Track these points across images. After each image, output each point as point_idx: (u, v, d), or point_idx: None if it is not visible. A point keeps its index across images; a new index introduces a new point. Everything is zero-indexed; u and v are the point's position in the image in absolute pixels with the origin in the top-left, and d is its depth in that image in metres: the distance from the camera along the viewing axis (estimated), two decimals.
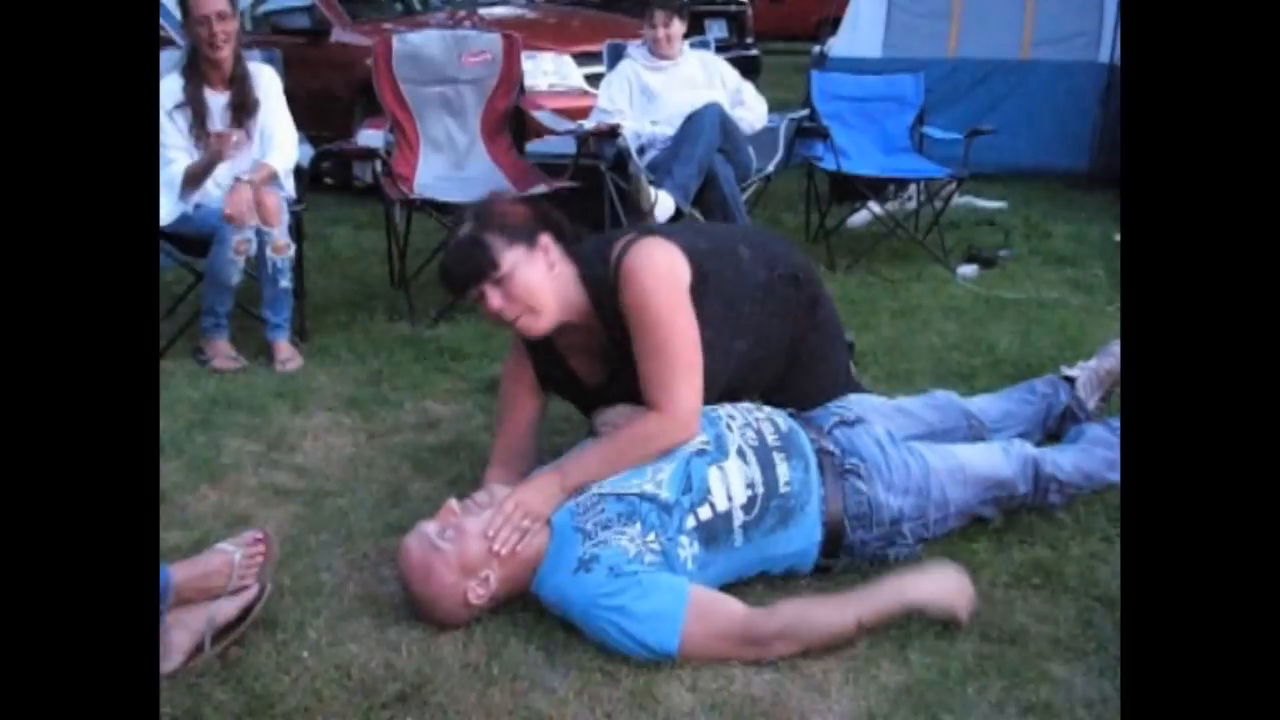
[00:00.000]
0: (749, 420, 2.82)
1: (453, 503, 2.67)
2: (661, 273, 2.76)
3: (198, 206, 4.45)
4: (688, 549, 2.58)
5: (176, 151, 4.49)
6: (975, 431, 3.18)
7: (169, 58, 4.83)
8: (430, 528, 2.62)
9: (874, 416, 3.00)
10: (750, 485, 2.68)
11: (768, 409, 2.90)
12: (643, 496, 2.62)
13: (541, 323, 2.80)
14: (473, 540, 2.57)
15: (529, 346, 3.00)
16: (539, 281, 2.77)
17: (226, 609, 2.55)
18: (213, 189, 4.52)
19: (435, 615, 2.60)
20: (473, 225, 2.78)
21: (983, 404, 3.31)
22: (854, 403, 3.07)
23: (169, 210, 4.47)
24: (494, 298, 2.74)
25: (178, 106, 4.50)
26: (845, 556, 2.77)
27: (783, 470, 2.71)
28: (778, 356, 3.07)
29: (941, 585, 2.57)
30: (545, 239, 2.80)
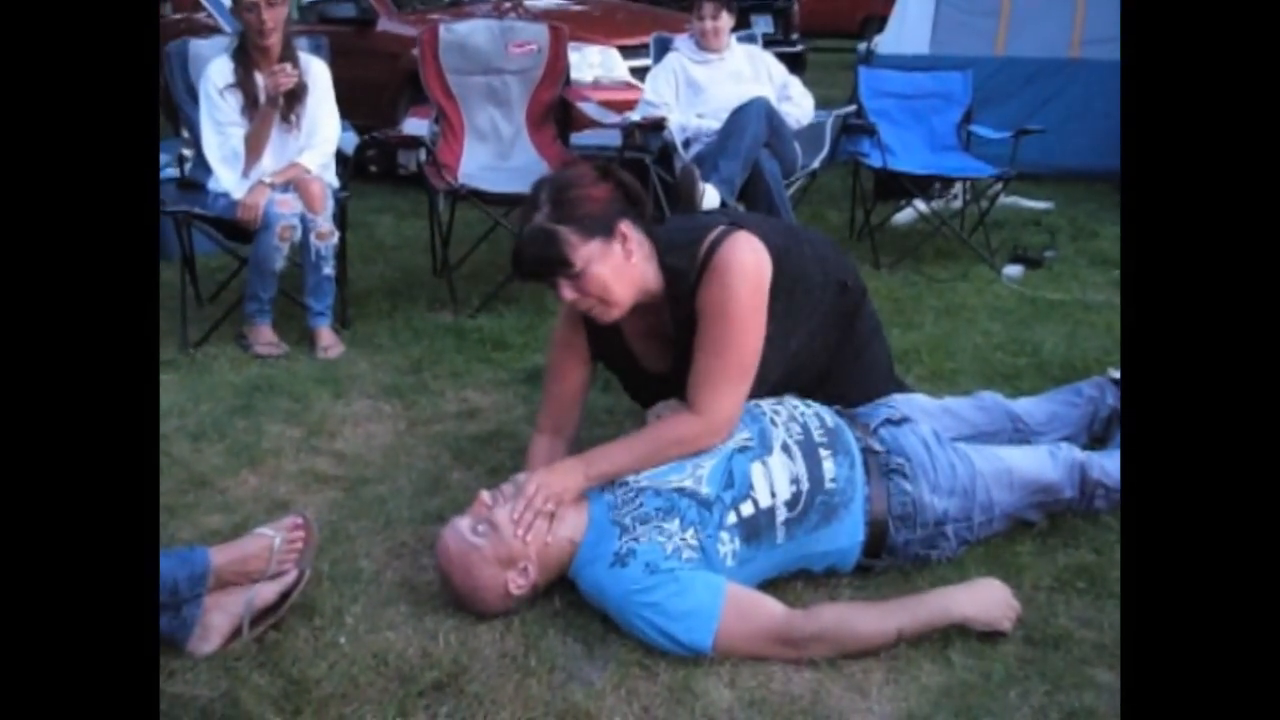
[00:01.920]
0: (794, 415, 2.80)
1: (484, 495, 2.66)
2: (750, 277, 2.72)
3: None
4: (728, 545, 2.56)
5: (233, 128, 4.54)
6: (1021, 434, 3.14)
7: (216, 44, 4.87)
8: (464, 523, 2.61)
9: (920, 416, 2.97)
10: (795, 481, 2.65)
11: (815, 405, 2.88)
12: (682, 492, 2.60)
13: (614, 313, 2.76)
14: (507, 532, 2.56)
15: (587, 318, 2.95)
16: (614, 275, 2.71)
17: (265, 593, 2.55)
18: (269, 167, 4.56)
19: (478, 607, 2.60)
20: (548, 214, 2.69)
21: (1028, 406, 3.27)
22: (901, 402, 3.05)
23: (234, 184, 4.52)
24: (567, 290, 2.71)
25: (229, 87, 4.53)
26: (887, 556, 2.73)
27: (829, 467, 2.69)
28: (820, 358, 3.04)
29: (986, 600, 2.54)
30: (624, 226, 2.72)
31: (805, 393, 2.99)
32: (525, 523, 2.57)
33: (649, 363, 2.99)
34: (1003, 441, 3.07)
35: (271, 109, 4.48)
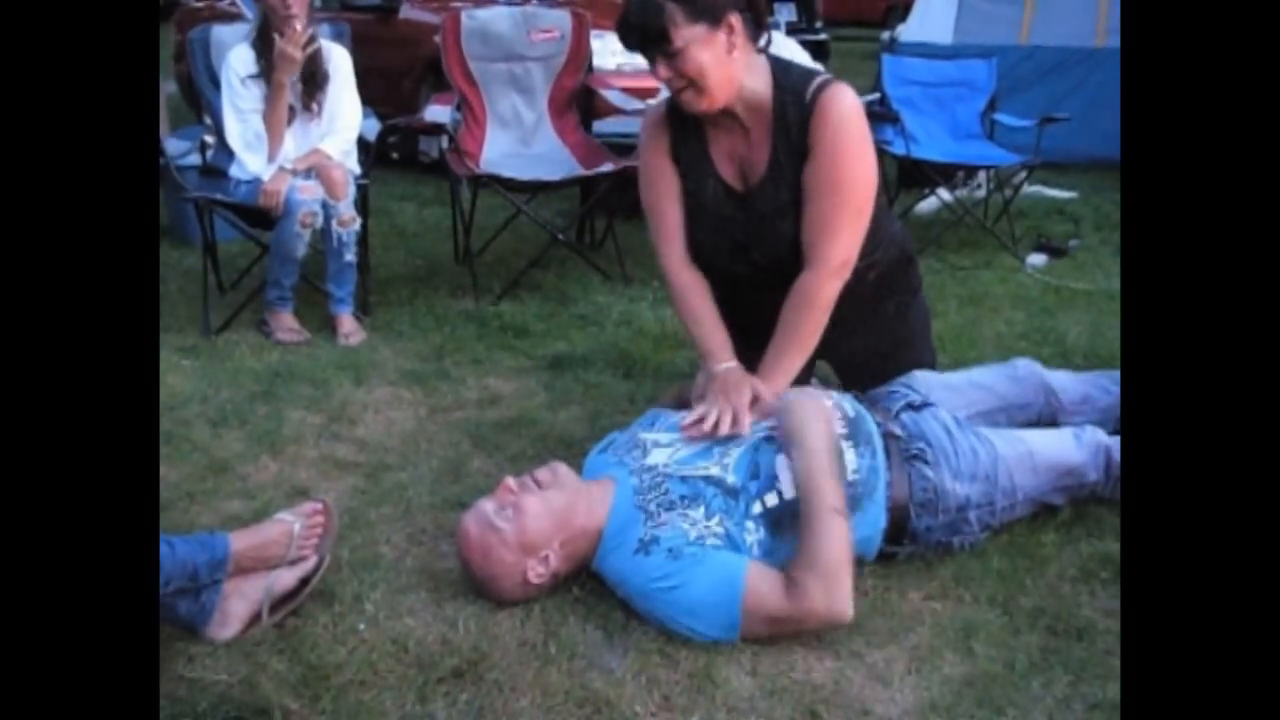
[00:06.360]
0: None
1: (510, 481, 2.63)
2: (863, 117, 2.76)
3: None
4: (753, 534, 2.54)
5: (255, 115, 4.53)
6: (1051, 409, 3.11)
7: (238, 31, 4.86)
8: (488, 506, 2.59)
9: (943, 395, 2.95)
10: None
11: (835, 395, 2.86)
12: (708, 479, 2.58)
13: (703, 103, 2.74)
14: (531, 519, 2.54)
15: (672, 122, 2.94)
16: (711, 64, 2.68)
17: (285, 579, 2.54)
18: (291, 153, 4.56)
19: (495, 594, 2.58)
20: None
21: (1065, 381, 3.21)
22: (921, 381, 3.02)
23: (261, 167, 4.52)
24: (662, 67, 2.70)
25: (251, 76, 4.52)
26: (909, 543, 2.71)
27: (850, 458, 2.66)
28: (867, 326, 3.01)
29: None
30: (734, 19, 2.69)
31: (843, 373, 2.98)
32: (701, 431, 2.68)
33: (730, 178, 2.92)
34: (1033, 414, 3.06)
35: (287, 69, 4.46)
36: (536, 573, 2.54)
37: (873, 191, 2.77)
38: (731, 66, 2.71)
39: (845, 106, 2.74)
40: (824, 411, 2.64)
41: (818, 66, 5.65)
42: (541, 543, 2.54)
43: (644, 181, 3.04)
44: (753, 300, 2.90)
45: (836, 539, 2.43)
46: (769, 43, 2.82)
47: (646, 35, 2.65)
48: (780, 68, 2.80)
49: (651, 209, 3.03)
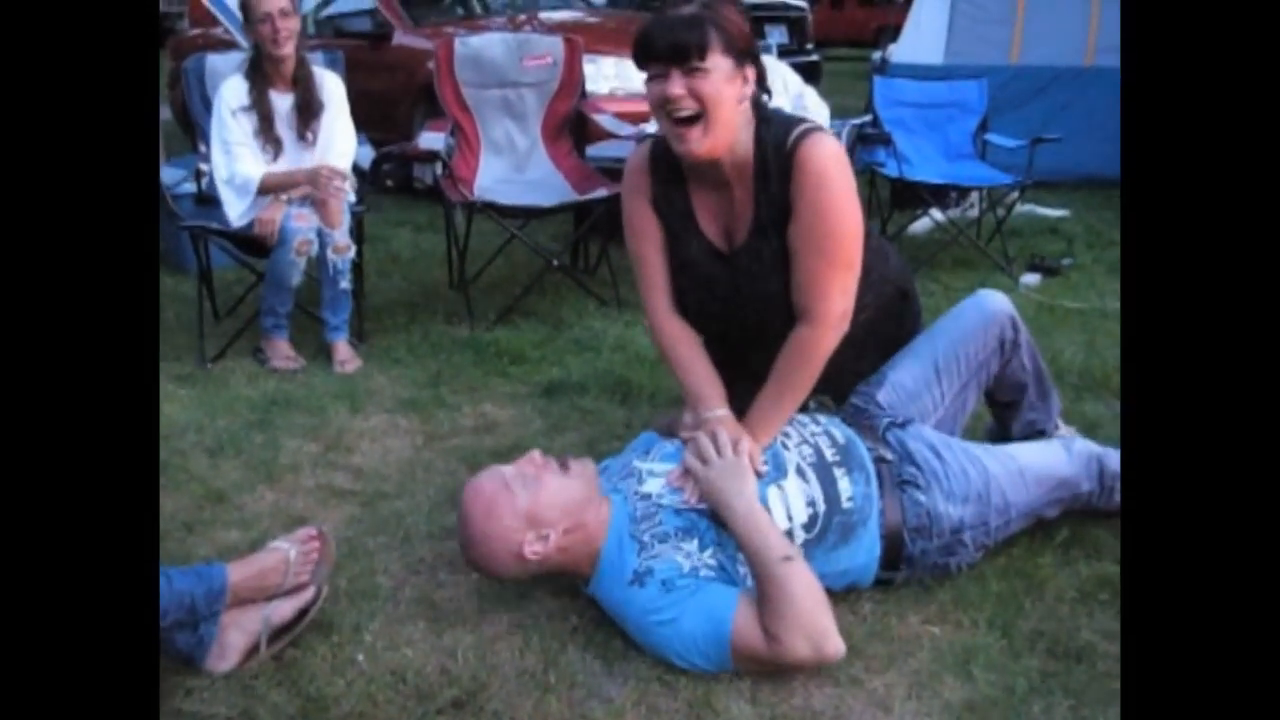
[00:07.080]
0: (805, 437, 2.77)
1: (535, 453, 2.63)
2: (845, 164, 2.69)
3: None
4: (747, 566, 2.53)
5: (241, 149, 4.52)
6: (1014, 340, 3.06)
7: (232, 60, 4.87)
8: (507, 469, 2.58)
9: (914, 409, 2.96)
10: (811, 503, 2.63)
11: (824, 421, 2.86)
12: (701, 513, 2.58)
13: (706, 142, 2.65)
14: (547, 493, 2.53)
15: (655, 174, 2.88)
16: (726, 98, 2.62)
17: (282, 610, 2.54)
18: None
19: (484, 558, 2.55)
20: (701, 8, 2.59)
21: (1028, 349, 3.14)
22: (887, 404, 2.98)
23: (238, 213, 4.52)
24: (677, 84, 2.59)
25: (243, 108, 4.52)
26: (905, 568, 2.71)
27: (844, 485, 2.66)
28: (861, 363, 3.00)
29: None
30: (750, 72, 2.67)
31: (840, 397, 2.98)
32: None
33: (714, 238, 2.86)
34: (1004, 356, 3.07)
35: (301, 183, 4.52)
36: (533, 549, 2.51)
37: (860, 241, 2.72)
38: (737, 115, 2.66)
39: (826, 158, 2.67)
40: (739, 469, 2.62)
41: (809, 89, 5.74)
42: (548, 521, 2.51)
43: (627, 227, 2.99)
44: (741, 353, 2.88)
45: (800, 585, 2.39)
46: (769, 100, 2.79)
47: (685, 43, 2.57)
48: (763, 119, 2.75)
49: (634, 255, 2.98)
